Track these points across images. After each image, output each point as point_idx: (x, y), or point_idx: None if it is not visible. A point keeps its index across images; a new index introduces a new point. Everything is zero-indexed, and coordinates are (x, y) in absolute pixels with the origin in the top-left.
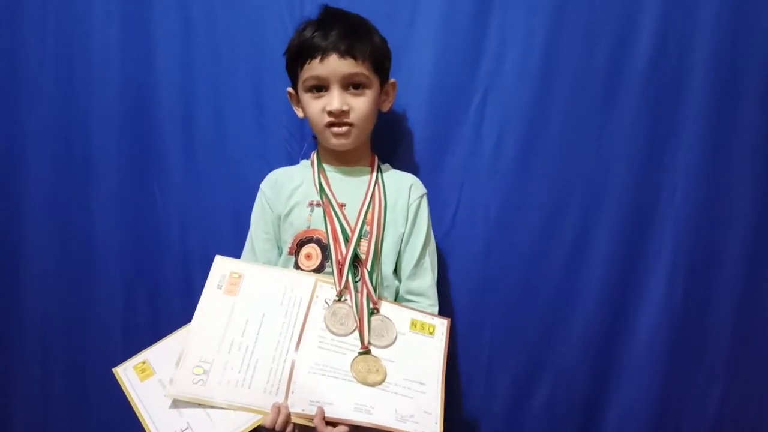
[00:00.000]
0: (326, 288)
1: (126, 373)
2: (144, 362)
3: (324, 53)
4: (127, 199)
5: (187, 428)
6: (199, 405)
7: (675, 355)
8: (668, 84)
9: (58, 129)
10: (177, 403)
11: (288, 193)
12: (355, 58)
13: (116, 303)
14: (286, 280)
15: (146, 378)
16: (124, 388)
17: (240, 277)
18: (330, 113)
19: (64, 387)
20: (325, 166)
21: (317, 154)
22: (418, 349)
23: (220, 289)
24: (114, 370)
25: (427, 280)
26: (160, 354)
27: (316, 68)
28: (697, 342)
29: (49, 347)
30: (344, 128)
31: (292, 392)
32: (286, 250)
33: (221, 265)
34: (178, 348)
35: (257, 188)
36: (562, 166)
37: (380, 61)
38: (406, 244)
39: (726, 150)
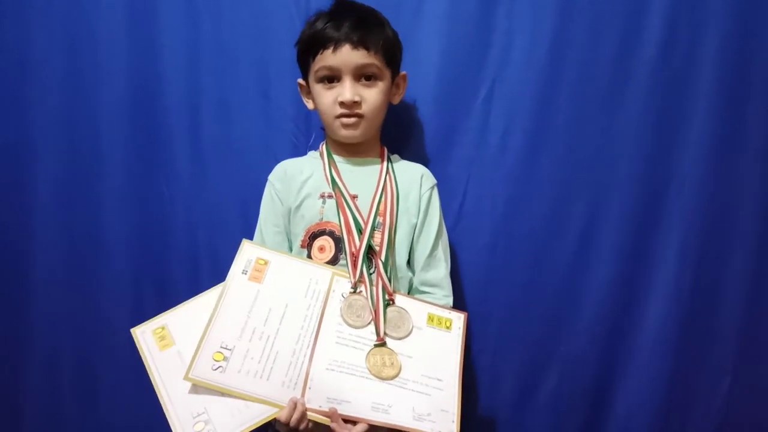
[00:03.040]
0: (342, 282)
1: (144, 336)
2: (163, 328)
3: (337, 43)
4: (133, 192)
5: (204, 413)
6: (217, 392)
7: (683, 348)
8: (677, 75)
9: (64, 122)
10: (195, 387)
11: (298, 185)
12: (367, 49)
13: (123, 296)
14: (311, 272)
15: (165, 347)
16: (141, 353)
17: (266, 263)
18: (342, 104)
19: (72, 381)
20: (335, 158)
21: (326, 146)
22: (435, 344)
23: (245, 274)
24: (132, 330)
25: (441, 270)
26: (180, 321)
27: (328, 58)
28: (705, 335)
29: (57, 341)
30: (353, 119)
31: (309, 388)
32: (297, 242)
33: (248, 250)
34: (199, 317)
35: (263, 180)
36: (570, 158)
37: (392, 53)
38: (419, 235)
39: (734, 142)
